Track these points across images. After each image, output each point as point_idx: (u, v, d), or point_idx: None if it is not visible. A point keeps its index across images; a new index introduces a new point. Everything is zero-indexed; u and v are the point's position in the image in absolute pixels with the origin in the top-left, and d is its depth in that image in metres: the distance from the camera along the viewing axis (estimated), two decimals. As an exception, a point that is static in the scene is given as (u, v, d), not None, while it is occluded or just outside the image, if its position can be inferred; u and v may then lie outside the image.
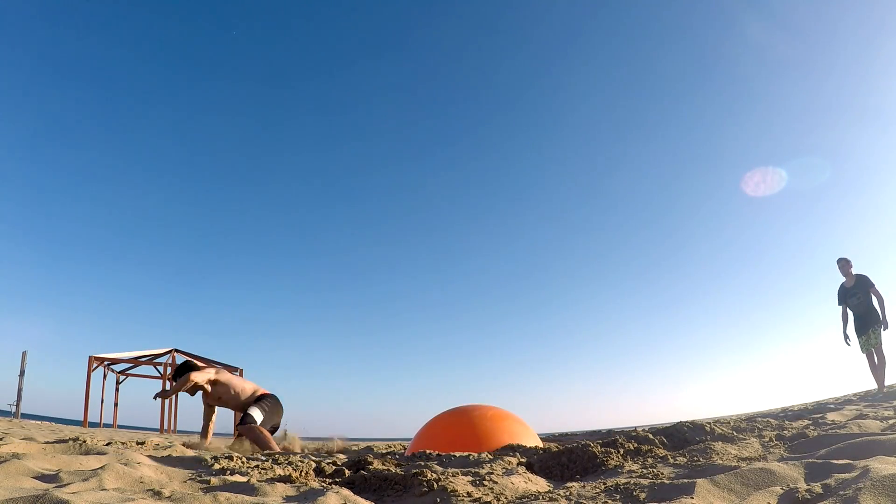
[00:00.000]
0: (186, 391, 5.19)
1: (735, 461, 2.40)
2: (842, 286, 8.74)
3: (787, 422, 4.12)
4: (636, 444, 3.03)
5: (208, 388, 5.11)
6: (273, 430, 5.36)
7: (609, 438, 3.25)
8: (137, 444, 3.98)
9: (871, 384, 8.72)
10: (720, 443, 2.90)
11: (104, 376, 19.67)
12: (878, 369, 8.39)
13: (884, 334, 8.31)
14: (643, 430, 3.49)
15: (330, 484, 2.36)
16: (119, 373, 21.12)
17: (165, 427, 20.24)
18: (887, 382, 8.49)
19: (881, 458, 1.93)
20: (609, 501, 1.87)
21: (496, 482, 2.26)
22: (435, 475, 2.27)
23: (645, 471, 2.39)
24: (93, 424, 18.66)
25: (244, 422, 5.05)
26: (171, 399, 18.77)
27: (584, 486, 2.14)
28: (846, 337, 8.64)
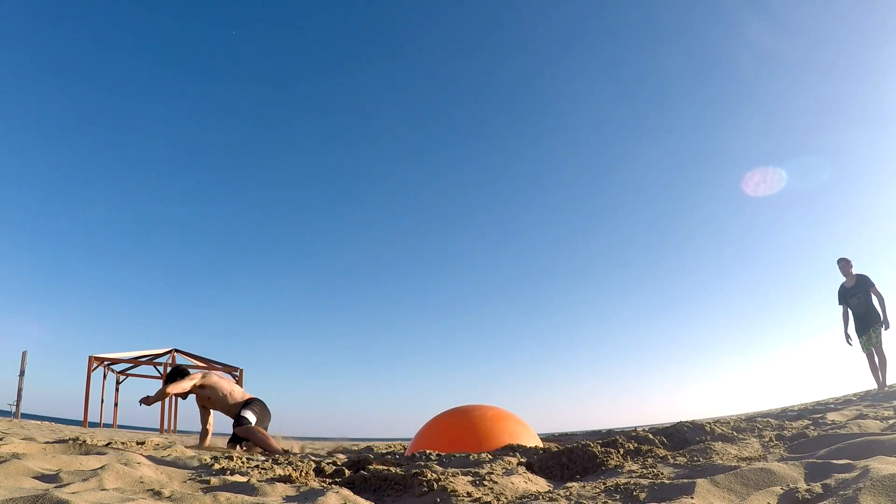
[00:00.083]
0: (178, 395, 5.26)
1: (735, 461, 2.40)
2: (842, 286, 8.74)
3: (787, 422, 4.12)
4: (636, 444, 3.03)
5: (188, 390, 5.14)
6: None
7: (609, 438, 3.25)
8: (137, 444, 3.98)
9: (871, 384, 8.72)
10: (720, 443, 2.90)
11: (104, 376, 19.67)
12: (878, 369, 8.39)
13: (884, 334, 8.32)
14: (643, 430, 3.49)
15: (330, 484, 2.36)
16: (119, 373, 21.12)
17: (165, 427, 20.24)
18: (888, 382, 8.49)
19: (881, 458, 1.93)
20: (609, 501, 1.87)
21: (496, 482, 2.26)
22: (435, 475, 2.27)
23: (645, 471, 2.39)
24: (93, 424, 18.66)
25: (239, 423, 5.08)
26: (171, 399, 18.76)
27: (584, 486, 2.14)
28: (848, 336, 8.64)
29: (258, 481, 2.28)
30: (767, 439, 3.04)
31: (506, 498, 2.08)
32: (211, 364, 20.43)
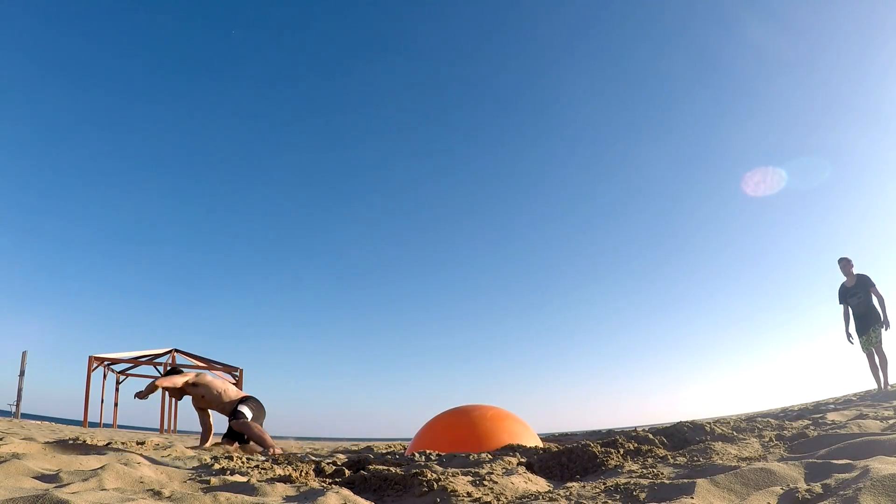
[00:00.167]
0: (173, 396, 5.28)
1: (735, 461, 2.40)
2: (842, 285, 8.74)
3: (787, 422, 4.12)
4: (636, 444, 3.03)
5: (180, 385, 5.15)
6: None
7: (609, 438, 3.24)
8: (137, 444, 3.98)
9: (872, 384, 8.72)
10: (720, 443, 2.90)
11: (104, 376, 19.66)
12: (879, 369, 8.39)
13: (884, 334, 8.32)
14: (643, 430, 3.49)
15: (330, 484, 2.36)
16: (119, 373, 21.12)
17: (165, 427, 20.23)
18: (889, 382, 8.49)
19: (881, 458, 1.93)
20: (609, 501, 1.87)
21: (496, 482, 2.26)
22: (435, 475, 2.27)
23: (645, 471, 2.39)
24: (93, 424, 18.65)
25: (235, 418, 5.09)
26: (171, 400, 18.77)
27: (584, 486, 2.14)
28: (849, 336, 8.64)
29: (258, 481, 2.28)
30: (767, 439, 3.04)
31: (506, 498, 2.08)
32: (211, 364, 20.43)
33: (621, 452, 2.85)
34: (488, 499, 2.02)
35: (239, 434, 5.09)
